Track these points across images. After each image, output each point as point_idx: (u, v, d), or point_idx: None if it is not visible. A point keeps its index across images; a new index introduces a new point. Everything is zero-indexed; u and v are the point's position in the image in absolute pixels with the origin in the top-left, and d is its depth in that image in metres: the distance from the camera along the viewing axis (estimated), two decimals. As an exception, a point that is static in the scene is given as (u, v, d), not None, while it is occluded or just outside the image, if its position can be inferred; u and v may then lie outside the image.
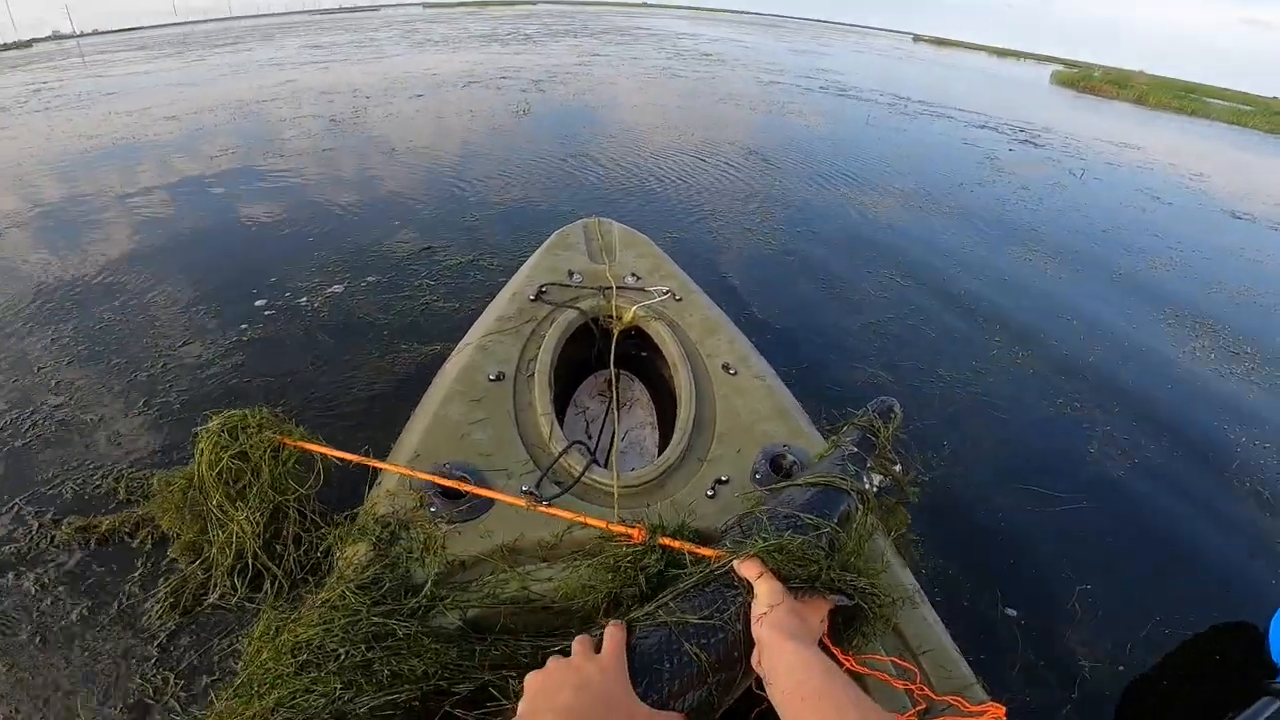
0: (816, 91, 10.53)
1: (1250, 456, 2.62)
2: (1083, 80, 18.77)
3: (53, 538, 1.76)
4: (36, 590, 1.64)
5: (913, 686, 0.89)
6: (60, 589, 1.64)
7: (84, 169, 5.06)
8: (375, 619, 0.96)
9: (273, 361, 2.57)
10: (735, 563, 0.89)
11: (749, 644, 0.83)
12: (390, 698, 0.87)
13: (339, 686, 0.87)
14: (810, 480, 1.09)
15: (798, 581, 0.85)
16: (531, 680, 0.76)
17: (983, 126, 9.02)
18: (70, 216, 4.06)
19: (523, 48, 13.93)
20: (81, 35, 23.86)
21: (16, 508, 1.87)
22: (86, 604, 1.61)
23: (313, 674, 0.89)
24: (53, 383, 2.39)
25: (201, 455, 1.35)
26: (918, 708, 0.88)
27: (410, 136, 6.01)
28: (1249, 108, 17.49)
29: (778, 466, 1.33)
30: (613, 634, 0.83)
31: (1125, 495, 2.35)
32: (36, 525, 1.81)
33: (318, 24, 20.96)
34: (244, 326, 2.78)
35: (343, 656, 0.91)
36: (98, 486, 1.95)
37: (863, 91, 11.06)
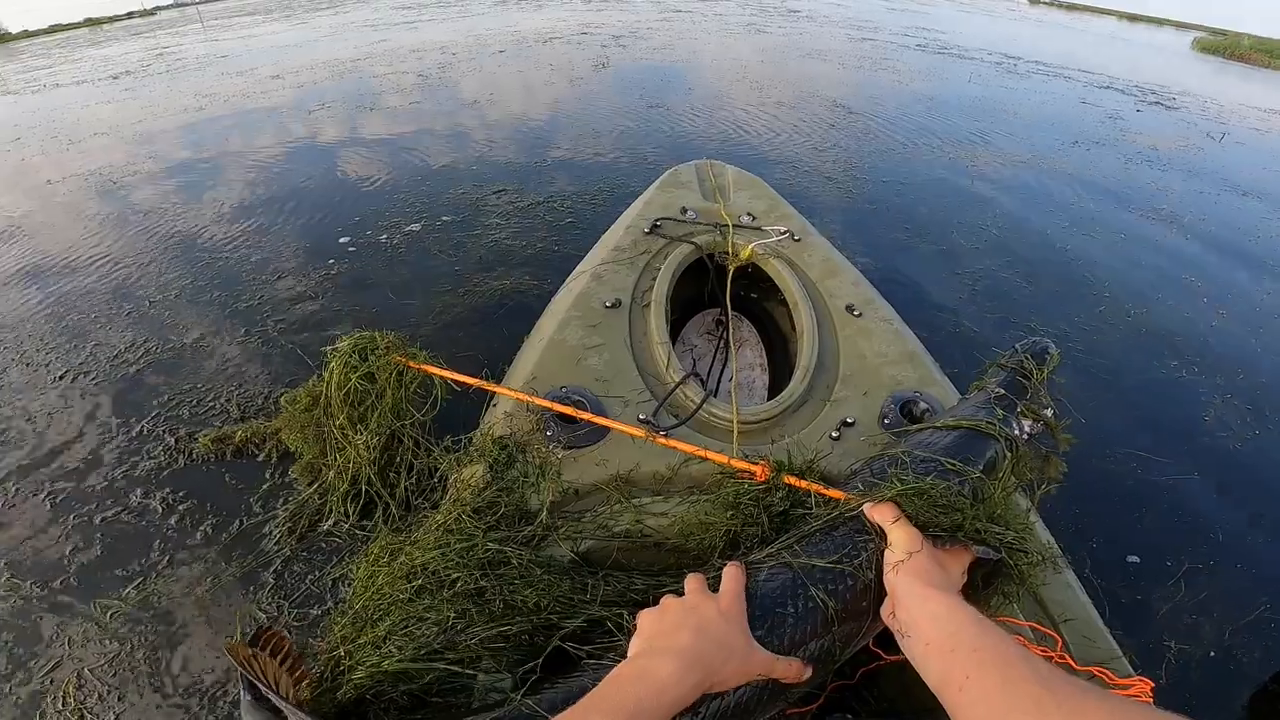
0: (913, 49, 9.78)
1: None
2: (1229, 48, 16.42)
3: (191, 451, 1.88)
4: (164, 509, 1.73)
5: (1053, 655, 0.82)
6: (184, 506, 1.73)
7: (196, 127, 5.45)
8: (491, 545, 0.94)
9: (358, 293, 2.70)
10: (868, 506, 0.82)
11: (879, 594, 0.77)
12: (502, 629, 0.84)
13: (452, 615, 0.84)
14: (952, 423, 1.00)
15: (937, 530, 0.78)
16: (647, 619, 0.73)
17: (1106, 88, 8.10)
18: (179, 169, 4.39)
19: (604, 4, 13.71)
20: (200, 2, 25.66)
21: (145, 427, 2.01)
22: (211, 523, 1.68)
23: (427, 601, 0.86)
24: (166, 315, 2.60)
25: (331, 375, 1.36)
26: None
27: (491, 91, 6.08)
28: None
29: (909, 412, 1.26)
30: (732, 574, 0.79)
31: (1236, 472, 2.12)
32: (173, 440, 1.93)
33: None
34: (331, 261, 2.94)
35: (458, 583, 0.88)
36: (211, 406, 2.09)
37: (966, 50, 10.17)
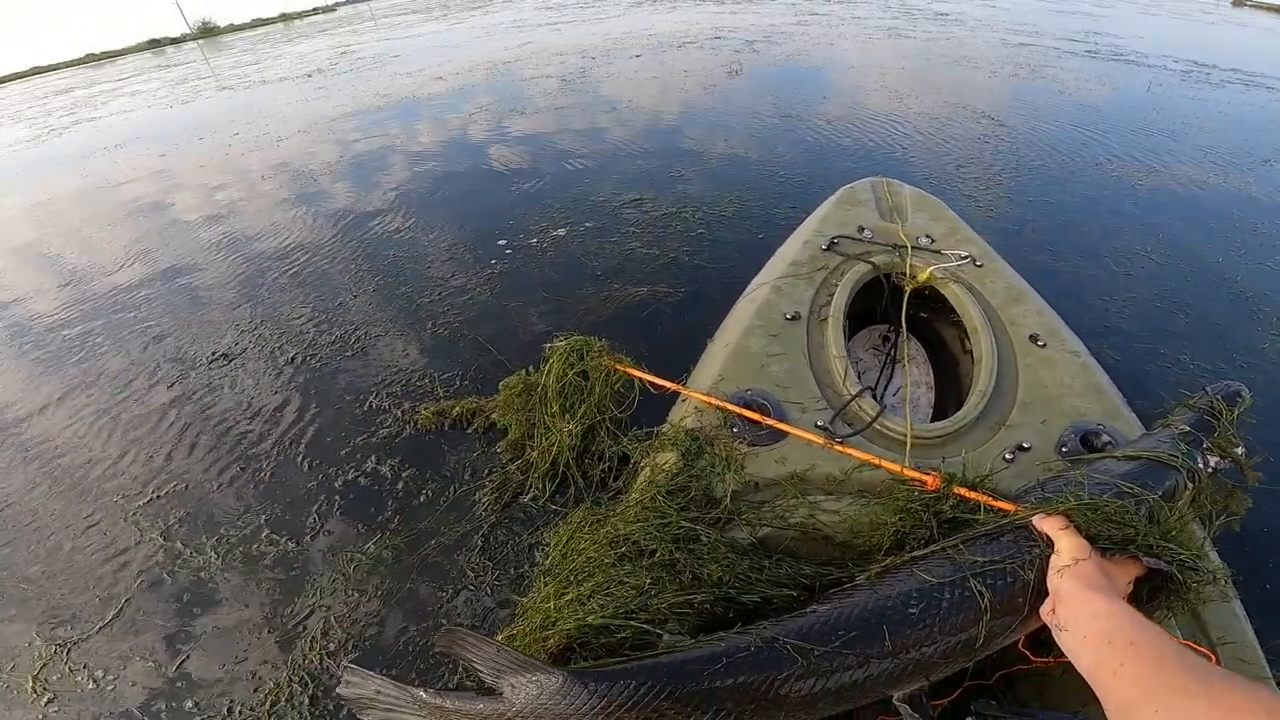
0: (1080, 55, 8.90)
1: None
2: None
3: (415, 421, 2.18)
4: (392, 474, 2.01)
5: None
6: (409, 472, 2.01)
7: (377, 128, 6.23)
8: (684, 524, 1.08)
9: (519, 293, 3.02)
10: (1037, 517, 0.89)
11: (1038, 595, 0.83)
12: (689, 597, 0.96)
13: (648, 581, 0.98)
14: (1132, 454, 1.06)
15: (1107, 542, 0.84)
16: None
17: (1323, 103, 6.95)
18: (364, 169, 5.06)
19: (738, 6, 13.69)
20: None
21: (372, 403, 2.35)
22: (431, 489, 1.92)
23: (629, 566, 1.00)
24: (366, 306, 3.04)
25: (550, 368, 1.60)
26: None
27: (629, 97, 6.38)
28: None
29: (1089, 443, 1.29)
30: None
31: None
32: (400, 413, 2.26)
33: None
34: (494, 261, 3.31)
35: (656, 553, 1.02)
36: (418, 386, 2.42)
37: (1146, 57, 9.09)
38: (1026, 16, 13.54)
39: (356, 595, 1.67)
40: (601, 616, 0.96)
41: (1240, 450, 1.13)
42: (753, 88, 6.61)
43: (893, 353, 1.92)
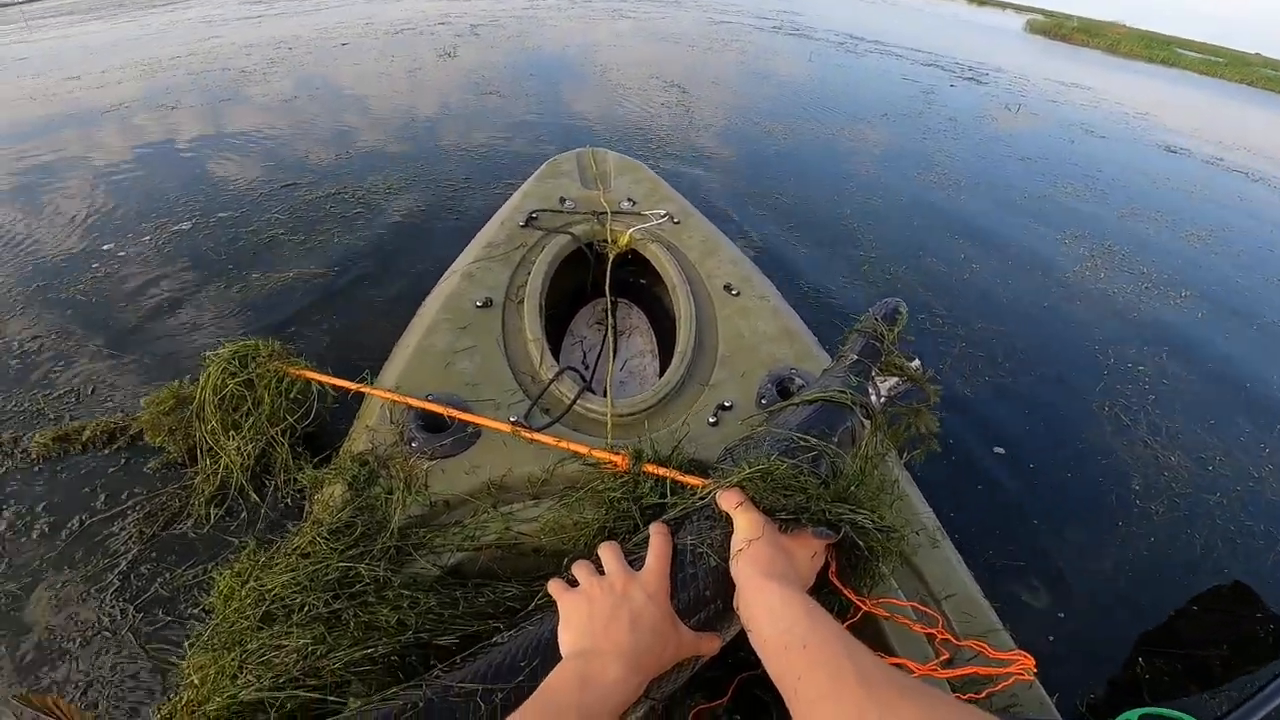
0: (766, 30, 10.23)
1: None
2: (1056, 28, 18.26)
3: (26, 452, 1.67)
4: None
5: (935, 632, 0.82)
6: (14, 509, 1.55)
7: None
8: (341, 565, 0.90)
9: (136, 298, 2.51)
10: (718, 493, 0.79)
11: (730, 584, 0.72)
12: (365, 652, 0.80)
13: (308, 641, 0.80)
14: (808, 397, 0.98)
15: (785, 513, 0.75)
16: (573, 607, 0.68)
17: (930, 65, 8.82)
18: None
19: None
20: (23, 2, 22.76)
21: None
22: (46, 522, 1.51)
23: (278, 627, 0.83)
24: None
25: (208, 379, 1.36)
26: (941, 657, 0.82)
27: (315, 84, 5.82)
28: (1221, 60, 17.02)
29: (784, 390, 1.25)
30: (659, 548, 0.73)
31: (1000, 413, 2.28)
32: None
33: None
34: (95, 265, 2.73)
35: (305, 607, 0.84)
36: (22, 409, 1.84)
37: (816, 31, 10.76)
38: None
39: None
40: (257, 690, 0.77)
41: (915, 364, 1.09)
42: (464, 69, 6.44)
43: (610, 326, 1.92)
